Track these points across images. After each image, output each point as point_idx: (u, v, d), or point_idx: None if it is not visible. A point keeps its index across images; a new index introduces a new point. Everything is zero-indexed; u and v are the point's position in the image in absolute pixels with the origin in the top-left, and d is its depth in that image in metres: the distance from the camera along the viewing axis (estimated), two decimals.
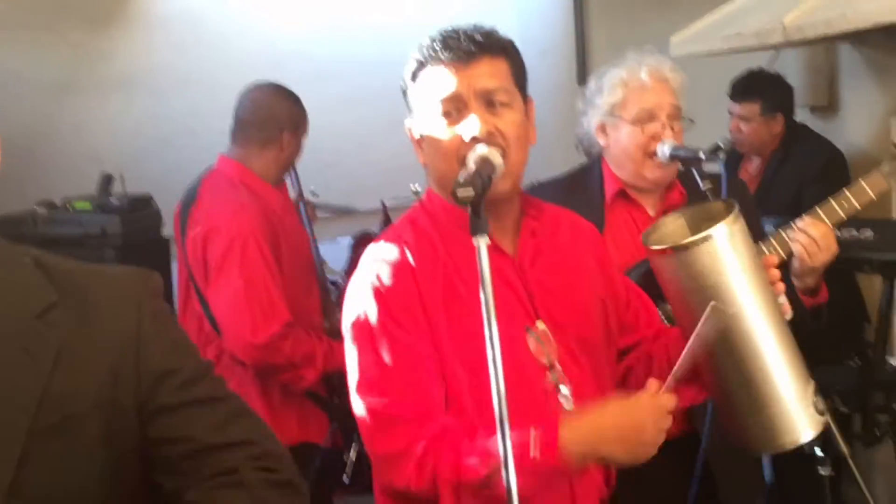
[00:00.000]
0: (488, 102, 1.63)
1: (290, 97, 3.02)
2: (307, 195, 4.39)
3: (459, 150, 1.61)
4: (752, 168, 4.04)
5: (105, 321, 1.30)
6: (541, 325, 1.69)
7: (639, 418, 1.52)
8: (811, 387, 1.64)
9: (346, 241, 4.79)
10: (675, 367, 1.56)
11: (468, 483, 1.52)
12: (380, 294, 1.62)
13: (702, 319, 1.51)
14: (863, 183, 2.24)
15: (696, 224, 1.63)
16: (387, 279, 1.63)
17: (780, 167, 3.89)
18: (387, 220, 4.68)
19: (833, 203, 2.24)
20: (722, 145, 2.34)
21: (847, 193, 2.24)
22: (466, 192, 1.42)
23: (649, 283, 2.12)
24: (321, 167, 5.09)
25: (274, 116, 2.94)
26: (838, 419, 2.00)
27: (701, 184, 2.15)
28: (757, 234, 2.12)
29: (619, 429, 1.52)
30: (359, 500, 4.21)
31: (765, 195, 3.79)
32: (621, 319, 1.84)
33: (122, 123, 4.97)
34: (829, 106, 4.23)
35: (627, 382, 1.83)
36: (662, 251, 1.57)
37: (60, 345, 1.25)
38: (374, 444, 1.62)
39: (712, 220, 1.58)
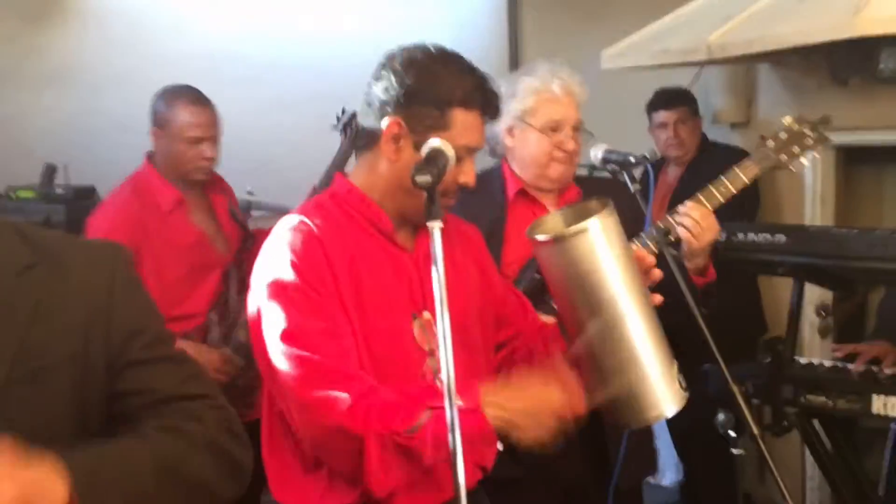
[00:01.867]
0: (472, 154, 1.84)
1: (161, 94, 3.13)
2: (243, 195, 4.47)
3: (447, 187, 1.75)
4: (669, 178, 4.26)
5: (80, 283, 1.38)
6: (426, 314, 1.83)
7: (551, 404, 1.66)
8: (675, 366, 1.80)
9: None
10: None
11: (395, 433, 1.61)
12: (293, 261, 1.72)
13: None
14: (737, 170, 2.46)
15: (575, 220, 1.78)
16: (298, 247, 1.73)
17: (697, 172, 4.13)
18: None
19: (712, 188, 2.45)
20: (648, 156, 2.50)
21: (723, 179, 2.45)
22: (424, 178, 1.55)
23: (535, 288, 2.29)
24: (256, 167, 5.14)
25: (150, 113, 3.10)
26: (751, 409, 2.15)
27: (631, 186, 2.29)
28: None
29: (531, 410, 1.66)
30: None
31: (683, 198, 4.01)
32: (499, 313, 2.00)
33: (56, 117, 4.94)
34: (747, 122, 4.47)
35: (506, 371, 1.96)
36: (543, 242, 1.73)
37: (37, 301, 1.33)
38: (304, 389, 1.66)
39: (589, 216, 1.74)
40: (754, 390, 2.55)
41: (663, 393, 1.79)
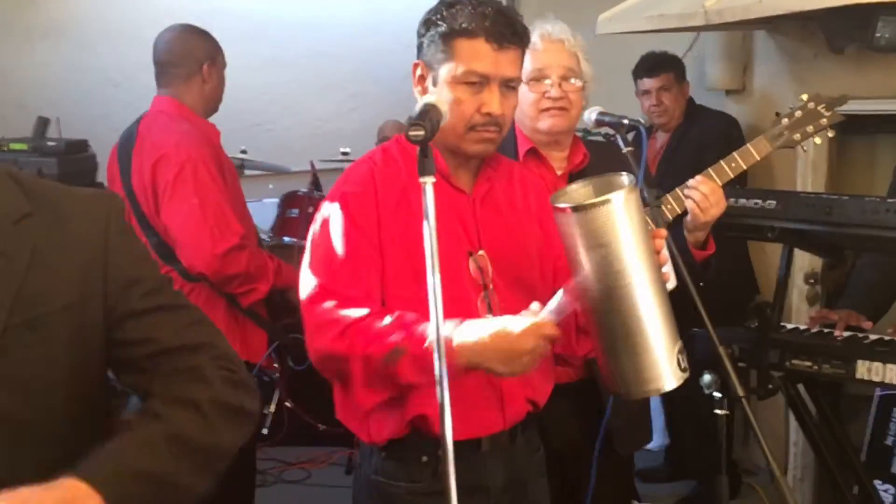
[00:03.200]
0: (505, 86, 1.87)
1: (200, 32, 3.17)
2: (237, 153, 4.47)
3: (472, 118, 1.85)
4: (657, 144, 4.27)
5: (75, 231, 1.40)
6: (482, 252, 1.92)
7: (519, 344, 1.70)
8: (678, 345, 1.83)
9: (272, 202, 4.83)
10: (556, 302, 1.76)
11: (374, 356, 1.73)
12: (345, 201, 1.85)
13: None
14: (749, 147, 2.46)
15: (600, 192, 1.81)
16: (352, 189, 1.87)
17: (683, 137, 4.16)
18: (316, 183, 4.75)
19: (723, 164, 2.44)
20: (642, 120, 2.50)
21: (735, 155, 2.45)
22: (417, 133, 1.56)
23: None
24: (249, 126, 5.15)
25: (190, 52, 3.08)
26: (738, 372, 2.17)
27: (624, 148, 2.29)
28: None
29: (499, 350, 1.71)
30: (277, 451, 4.34)
31: (669, 165, 4.05)
32: (554, 266, 2.03)
33: (49, 71, 4.94)
34: (743, 90, 4.47)
35: None
36: (566, 209, 1.75)
37: (34, 250, 1.34)
38: (310, 309, 1.82)
39: (614, 189, 1.77)
40: (741, 354, 2.57)
41: (665, 368, 1.82)
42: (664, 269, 1.93)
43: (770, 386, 2.54)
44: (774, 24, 3.93)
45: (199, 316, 1.50)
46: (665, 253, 1.93)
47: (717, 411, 2.10)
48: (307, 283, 1.84)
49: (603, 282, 1.75)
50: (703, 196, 2.36)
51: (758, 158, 2.46)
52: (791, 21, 3.76)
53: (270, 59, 5.27)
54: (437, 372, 1.51)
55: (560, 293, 1.78)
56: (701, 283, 2.20)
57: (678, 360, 1.84)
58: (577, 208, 1.73)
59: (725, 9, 3.47)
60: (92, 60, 4.98)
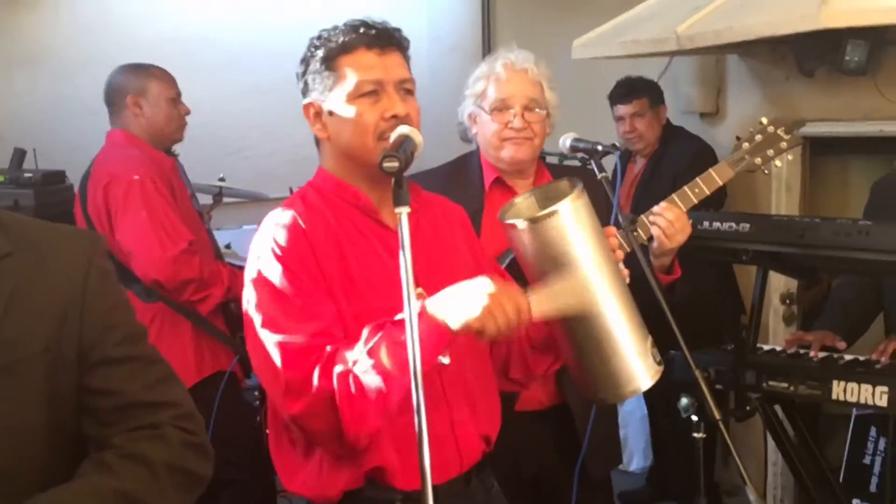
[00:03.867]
0: (402, 90, 1.82)
1: (128, 68, 3.38)
2: (215, 181, 4.47)
3: (378, 127, 1.78)
4: (635, 168, 4.30)
5: (56, 273, 1.38)
6: (419, 290, 1.81)
7: (497, 295, 1.62)
8: (649, 340, 1.83)
9: (251, 229, 4.82)
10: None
11: (354, 366, 1.65)
12: (277, 254, 1.76)
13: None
14: (712, 172, 2.49)
15: (545, 201, 1.80)
16: (283, 240, 1.77)
17: (658, 163, 4.18)
18: None
19: (686, 190, 2.47)
20: (618, 144, 2.53)
21: (698, 181, 2.48)
22: (392, 164, 1.56)
23: (514, 271, 2.32)
24: (228, 153, 5.15)
25: (117, 87, 3.33)
26: (715, 395, 2.19)
27: (598, 174, 2.32)
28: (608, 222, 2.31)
29: (476, 298, 1.62)
30: None
31: (646, 190, 4.08)
32: None
33: (25, 101, 4.92)
34: (716, 113, 4.51)
35: (492, 353, 1.99)
36: (514, 225, 1.74)
37: (13, 291, 1.33)
38: (286, 371, 1.70)
39: (559, 197, 1.76)
40: (717, 376, 2.60)
41: (639, 368, 1.82)
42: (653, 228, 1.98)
43: (748, 408, 2.55)
44: (746, 48, 3.98)
45: (168, 372, 1.49)
46: (620, 252, 1.94)
47: (695, 434, 2.12)
48: (269, 342, 1.72)
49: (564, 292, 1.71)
50: (668, 223, 2.39)
51: (720, 183, 2.50)
52: (762, 45, 3.81)
53: (249, 87, 5.27)
54: (414, 401, 1.49)
55: None
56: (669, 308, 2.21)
57: (652, 355, 1.83)
58: (528, 222, 1.72)
59: (697, 34, 3.52)
60: (69, 90, 4.97)
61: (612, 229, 1.94)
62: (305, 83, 1.87)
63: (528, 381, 2.08)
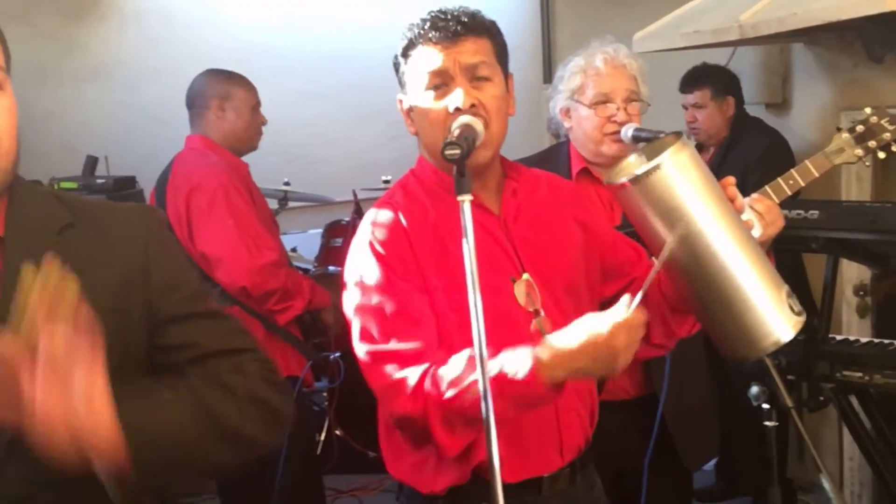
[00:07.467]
0: (472, 77, 1.79)
1: (216, 73, 3.41)
2: (280, 186, 4.55)
3: (446, 121, 1.76)
4: (705, 158, 4.22)
5: (117, 241, 1.45)
6: (526, 275, 1.83)
7: (612, 343, 1.56)
8: (784, 290, 1.73)
9: (316, 233, 4.90)
10: (644, 285, 1.63)
11: (454, 407, 1.63)
12: (377, 252, 1.77)
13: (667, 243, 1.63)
14: (808, 163, 2.42)
15: (652, 158, 1.72)
16: (382, 238, 1.79)
17: (728, 154, 4.11)
18: (358, 211, 4.79)
19: (780, 181, 2.41)
20: (682, 133, 2.49)
21: (793, 172, 2.41)
22: (453, 151, 1.57)
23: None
24: (291, 158, 5.21)
25: (202, 91, 3.35)
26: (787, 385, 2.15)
27: None
28: None
29: (592, 356, 1.57)
30: (328, 480, 4.36)
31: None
32: (608, 264, 1.97)
33: (96, 112, 5.06)
34: (782, 103, 4.43)
35: None
36: (621, 185, 1.68)
37: (77, 257, 1.38)
38: (375, 381, 1.74)
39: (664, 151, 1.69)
40: (789, 366, 2.54)
41: (775, 319, 1.71)
42: (745, 217, 1.83)
43: (821, 398, 2.50)
44: (811, 35, 3.91)
45: (240, 325, 1.54)
46: (741, 200, 1.84)
47: (766, 423, 2.08)
48: (365, 351, 1.75)
49: (683, 248, 1.65)
50: (758, 215, 2.33)
51: (816, 175, 2.40)
52: (828, 32, 3.74)
53: (310, 93, 5.34)
54: (482, 410, 1.48)
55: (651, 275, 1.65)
56: None
57: (789, 305, 1.73)
58: (633, 181, 1.66)
59: (760, 22, 3.46)
60: (137, 100, 5.10)
61: (731, 178, 1.84)
62: (399, 81, 1.89)
63: (671, 345, 2.01)
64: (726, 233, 1.68)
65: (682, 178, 1.65)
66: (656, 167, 1.64)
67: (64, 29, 5.08)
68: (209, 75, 3.40)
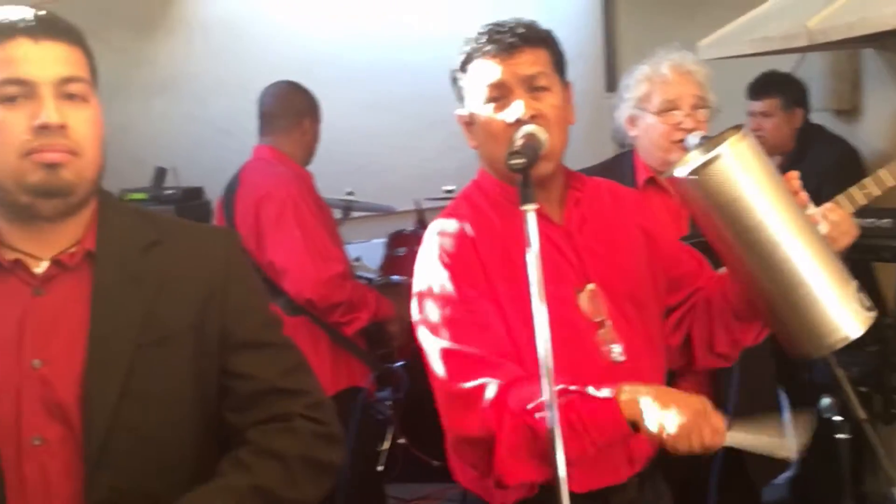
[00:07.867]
0: (530, 87, 1.79)
1: (303, 89, 3.44)
2: (343, 195, 4.59)
3: (506, 132, 1.76)
4: None
5: (199, 260, 1.50)
6: (591, 286, 1.82)
7: (700, 410, 1.57)
8: (852, 286, 1.67)
9: (379, 242, 4.93)
10: None
11: (533, 427, 1.60)
12: (444, 262, 1.78)
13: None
14: (882, 173, 2.36)
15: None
16: (449, 248, 1.79)
17: (797, 166, 4.00)
18: (421, 221, 4.80)
19: (853, 191, 2.36)
20: None
21: (866, 182, 2.36)
22: (518, 160, 1.57)
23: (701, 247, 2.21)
24: (354, 169, 5.26)
25: (293, 106, 3.36)
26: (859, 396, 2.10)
27: None
28: None
29: (686, 400, 1.57)
30: (392, 488, 4.38)
31: None
32: (671, 275, 1.95)
33: (164, 124, 5.16)
34: (852, 109, 4.33)
35: (680, 328, 1.93)
36: (680, 179, 1.65)
37: (161, 274, 1.45)
38: (454, 381, 1.70)
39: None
40: (861, 377, 2.50)
41: (841, 314, 1.65)
42: (809, 212, 1.78)
43: (894, 410, 2.44)
44: (881, 40, 3.82)
45: (302, 360, 1.57)
46: (805, 194, 1.79)
47: (838, 436, 2.04)
48: (439, 358, 1.73)
49: (744, 241, 1.63)
50: (832, 225, 2.28)
51: (893, 184, 2.36)
52: None
53: (372, 103, 5.38)
54: (548, 419, 1.48)
55: None
56: None
57: (858, 300, 1.67)
58: (692, 172, 1.63)
59: (829, 28, 3.40)
60: (204, 112, 5.19)
61: (795, 172, 1.80)
62: (456, 93, 1.89)
63: (735, 355, 1.98)
64: (789, 224, 1.64)
65: (742, 168, 1.62)
66: (716, 157, 1.61)
67: (133, 43, 5.20)
68: (297, 91, 3.41)
